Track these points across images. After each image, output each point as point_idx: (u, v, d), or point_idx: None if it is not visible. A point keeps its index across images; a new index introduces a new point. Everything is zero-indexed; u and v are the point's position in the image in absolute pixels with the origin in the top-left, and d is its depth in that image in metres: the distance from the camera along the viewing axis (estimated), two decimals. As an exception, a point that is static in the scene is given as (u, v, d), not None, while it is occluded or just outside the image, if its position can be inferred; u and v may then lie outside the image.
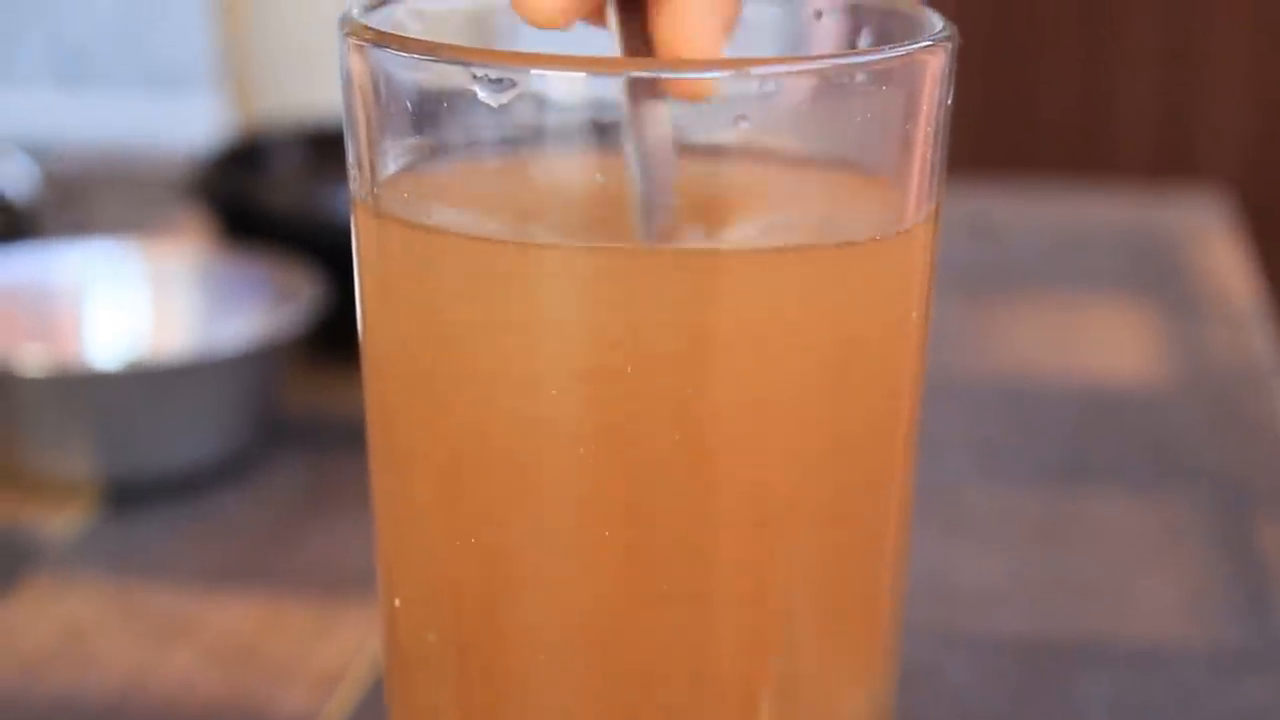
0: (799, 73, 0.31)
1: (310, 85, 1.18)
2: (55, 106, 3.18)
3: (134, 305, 0.73)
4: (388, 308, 0.35)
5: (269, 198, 0.79)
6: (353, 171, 0.36)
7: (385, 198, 0.34)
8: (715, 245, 0.33)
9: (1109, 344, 0.82)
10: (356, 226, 0.36)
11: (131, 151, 1.13)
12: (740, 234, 0.34)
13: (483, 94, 0.32)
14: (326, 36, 1.12)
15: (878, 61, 0.32)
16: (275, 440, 0.69)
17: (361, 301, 0.36)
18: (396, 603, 0.35)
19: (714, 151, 0.34)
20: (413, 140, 0.34)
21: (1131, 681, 0.53)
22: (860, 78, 0.32)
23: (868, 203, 0.35)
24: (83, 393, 0.63)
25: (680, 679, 0.33)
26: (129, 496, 0.64)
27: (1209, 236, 1.00)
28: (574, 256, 0.32)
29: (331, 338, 0.70)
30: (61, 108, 3.17)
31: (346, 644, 0.55)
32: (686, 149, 0.34)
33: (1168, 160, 1.78)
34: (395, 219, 0.34)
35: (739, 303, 0.32)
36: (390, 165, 0.35)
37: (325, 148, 0.84)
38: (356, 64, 0.34)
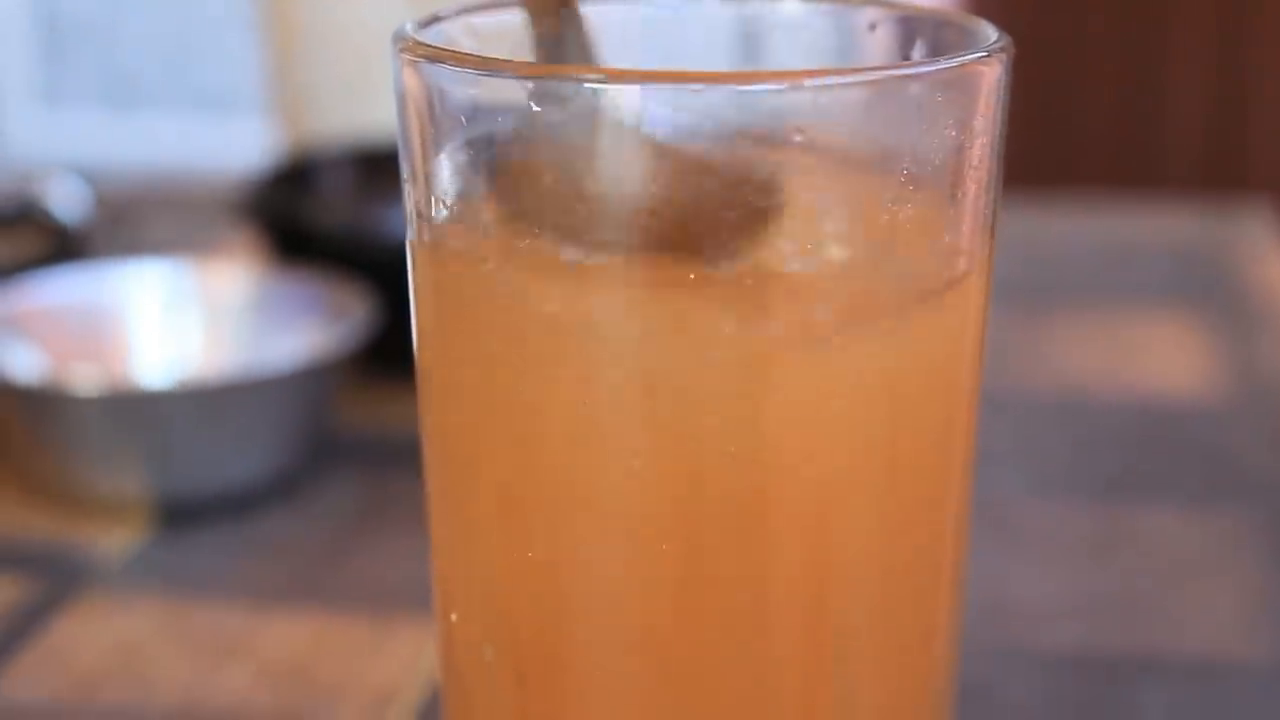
0: (854, 84, 0.31)
1: (358, 108, 1.18)
2: (105, 130, 3.20)
3: (185, 325, 0.73)
4: (443, 330, 0.35)
5: (319, 218, 0.80)
6: (407, 188, 0.36)
7: (440, 217, 0.34)
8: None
9: (1161, 358, 0.82)
10: (412, 248, 0.36)
11: (181, 174, 1.14)
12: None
13: (537, 108, 0.32)
14: (374, 59, 1.13)
15: (935, 72, 0.32)
16: (327, 458, 0.69)
17: (417, 322, 0.36)
18: (453, 618, 0.35)
19: (768, 179, 0.34)
20: (468, 156, 0.34)
21: (1189, 695, 0.53)
22: (916, 89, 0.32)
23: (927, 236, 0.34)
24: (134, 412, 0.63)
25: (737, 696, 0.33)
26: (180, 515, 0.65)
27: (1260, 249, 0.99)
28: (630, 284, 0.32)
29: (382, 356, 0.70)
30: (111, 131, 3.19)
31: (399, 662, 0.55)
32: (739, 172, 0.34)
33: (1217, 173, 1.76)
34: (449, 242, 0.34)
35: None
36: (445, 181, 0.35)
37: (374, 167, 0.85)
38: (411, 80, 0.34)
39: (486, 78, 0.33)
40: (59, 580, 0.60)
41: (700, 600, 0.32)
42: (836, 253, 0.33)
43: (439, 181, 0.34)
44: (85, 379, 0.63)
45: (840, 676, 0.34)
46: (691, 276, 0.32)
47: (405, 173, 0.35)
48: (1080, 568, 0.61)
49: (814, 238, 0.33)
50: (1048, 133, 1.77)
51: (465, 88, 0.33)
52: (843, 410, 0.32)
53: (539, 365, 0.33)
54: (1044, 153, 1.75)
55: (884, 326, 0.33)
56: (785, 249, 0.32)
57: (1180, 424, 0.74)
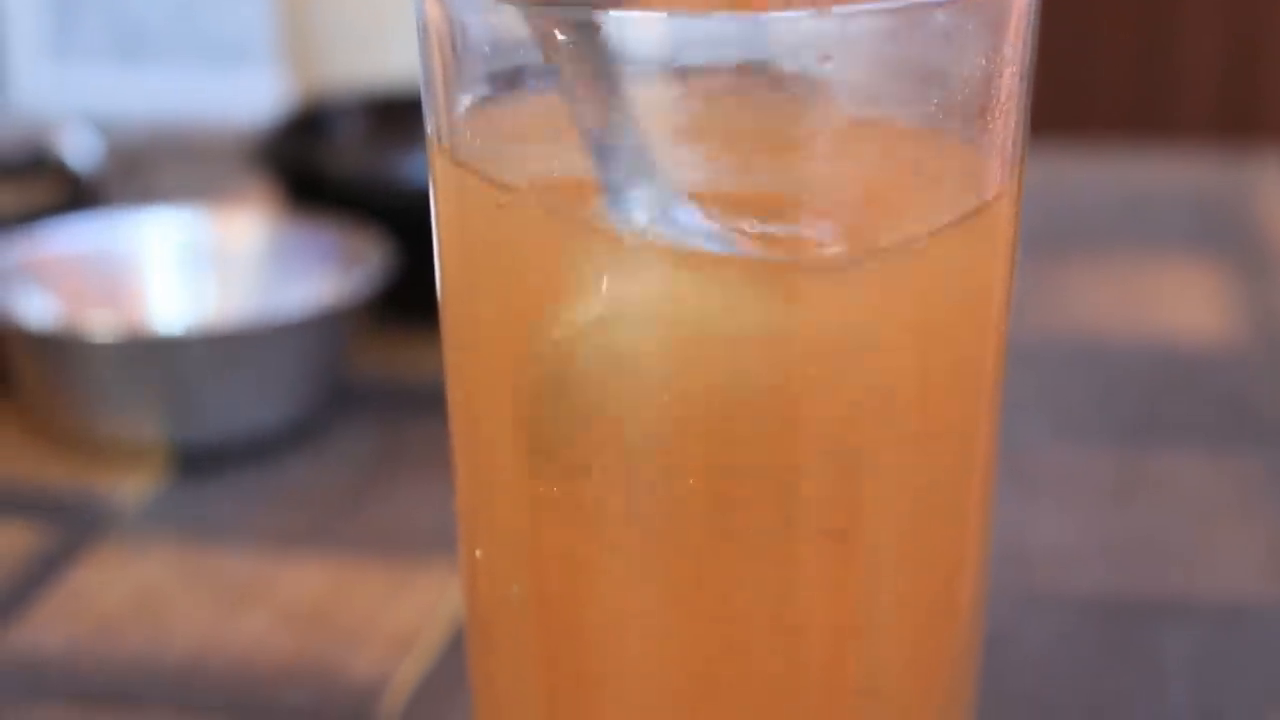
0: (883, 10, 0.31)
1: (370, 57, 1.18)
2: (116, 84, 3.20)
3: (200, 272, 0.73)
4: (466, 261, 0.35)
5: (333, 164, 0.79)
6: (429, 125, 0.35)
7: (462, 148, 0.34)
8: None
9: (1179, 303, 0.81)
10: (434, 181, 0.35)
11: (194, 123, 1.13)
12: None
13: (562, 38, 0.31)
14: (386, 6, 1.12)
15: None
16: (344, 405, 0.69)
17: (439, 259, 0.36)
18: (478, 554, 0.35)
19: (791, 113, 0.33)
20: (490, 89, 0.34)
21: (1213, 638, 0.52)
22: (944, 16, 0.32)
23: (952, 166, 0.34)
24: (152, 358, 0.63)
25: (763, 627, 0.33)
26: (198, 462, 0.64)
27: (1277, 195, 0.98)
28: (652, 245, 0.32)
29: (399, 302, 0.70)
30: (122, 85, 3.19)
31: (419, 607, 0.55)
32: (758, 109, 0.33)
33: (1233, 120, 1.76)
34: (473, 171, 0.34)
35: (824, 297, 0.32)
36: (468, 115, 0.34)
37: (388, 114, 0.84)
38: (433, 11, 0.34)
39: (510, 6, 0.32)
40: (77, 527, 0.60)
41: (728, 533, 0.32)
42: (867, 177, 0.33)
43: (460, 114, 0.34)
44: (101, 325, 0.63)
45: (868, 611, 0.34)
46: (723, 210, 0.31)
47: (427, 109, 0.35)
48: (1102, 513, 0.61)
49: (844, 163, 0.32)
50: (1065, 81, 1.76)
51: (488, 17, 0.33)
52: (873, 334, 0.32)
53: (564, 289, 0.32)
54: (1061, 101, 1.75)
55: (914, 250, 0.32)
56: (814, 174, 0.32)
57: (1200, 369, 0.74)
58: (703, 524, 0.32)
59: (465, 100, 0.34)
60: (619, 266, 0.32)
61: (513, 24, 0.32)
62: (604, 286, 0.32)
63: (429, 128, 0.35)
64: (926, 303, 0.33)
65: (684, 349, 0.31)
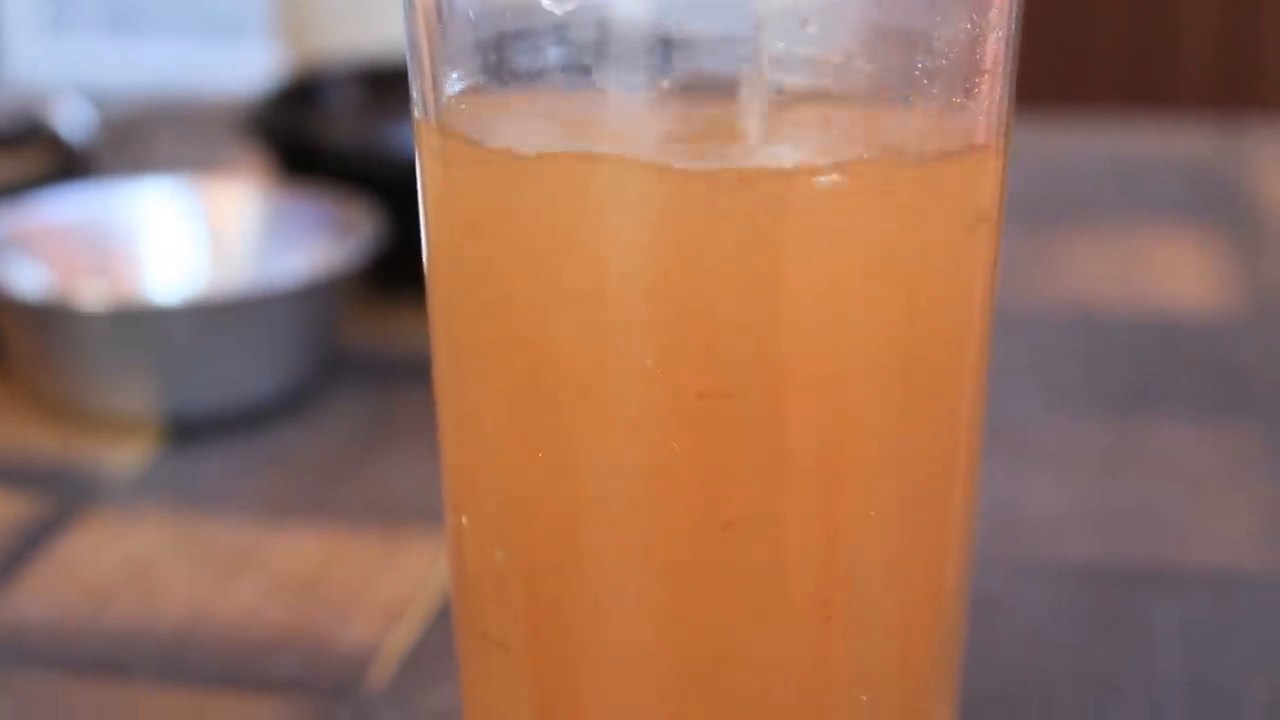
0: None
1: (363, 29, 1.18)
2: (111, 57, 3.19)
3: (193, 242, 0.73)
4: (452, 228, 0.35)
5: (326, 135, 0.79)
6: (415, 94, 0.35)
7: (449, 118, 0.34)
8: (782, 165, 0.33)
9: (1172, 274, 0.81)
10: (420, 150, 0.35)
11: (188, 95, 1.13)
12: (810, 154, 0.33)
13: (547, 3, 0.31)
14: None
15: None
16: (336, 375, 0.69)
17: (425, 222, 0.36)
18: (464, 520, 0.35)
19: (776, 65, 0.34)
20: (477, 58, 0.34)
21: (1202, 607, 0.52)
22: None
23: (938, 126, 0.34)
24: (143, 328, 0.63)
25: (751, 591, 0.33)
26: (190, 431, 0.64)
27: (1272, 165, 0.98)
28: (638, 173, 0.32)
29: (391, 272, 0.70)
30: (117, 58, 3.18)
31: (409, 576, 0.55)
32: (747, 79, 0.33)
33: (1229, 90, 1.75)
34: (458, 139, 0.34)
35: (808, 222, 0.32)
36: (454, 84, 0.34)
37: (381, 84, 0.84)
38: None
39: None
40: (68, 497, 0.60)
41: (714, 494, 0.32)
42: (852, 131, 0.33)
43: (447, 85, 0.34)
44: (93, 295, 0.63)
45: (855, 563, 0.34)
46: (701, 174, 0.31)
47: (413, 78, 0.35)
48: (1093, 482, 0.61)
49: (824, 135, 0.32)
50: (1060, 50, 1.76)
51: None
52: (859, 274, 0.32)
53: (548, 255, 0.32)
54: (1056, 70, 1.74)
55: (902, 175, 0.32)
56: (796, 147, 0.32)
57: (1192, 339, 0.74)
58: (688, 487, 0.32)
59: (452, 68, 0.34)
60: (600, 205, 0.32)
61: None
62: (591, 227, 0.32)
63: (414, 95, 0.35)
64: (913, 232, 0.33)
65: (668, 298, 0.31)
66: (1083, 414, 0.66)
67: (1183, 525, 0.58)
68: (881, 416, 0.33)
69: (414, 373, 0.68)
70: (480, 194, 0.33)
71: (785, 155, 0.33)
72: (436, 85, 0.34)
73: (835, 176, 0.32)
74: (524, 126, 0.34)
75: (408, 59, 0.35)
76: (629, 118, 0.33)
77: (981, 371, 0.36)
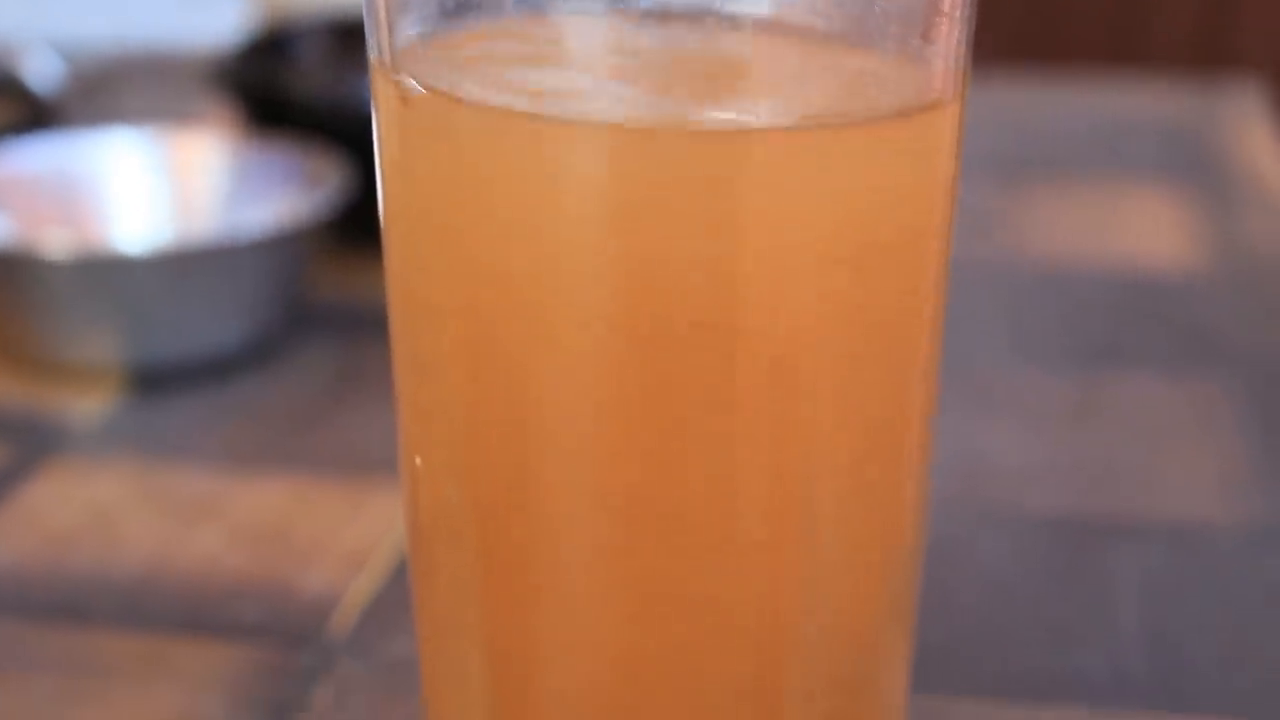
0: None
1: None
2: (79, 5, 3.17)
3: (160, 193, 0.72)
4: (406, 174, 0.34)
5: (295, 87, 0.79)
6: (371, 40, 0.35)
7: (403, 64, 0.34)
8: (738, 120, 0.32)
9: (1144, 231, 0.82)
10: (375, 97, 0.35)
11: (157, 47, 1.13)
12: (764, 109, 0.33)
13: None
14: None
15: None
16: (302, 326, 0.69)
17: (380, 168, 0.36)
18: (417, 460, 0.35)
19: (731, 24, 0.34)
20: (432, 2, 0.33)
21: (1163, 558, 0.53)
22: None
23: (896, 72, 0.34)
24: (108, 277, 0.63)
25: (699, 532, 0.33)
26: (154, 381, 0.64)
27: (1247, 127, 0.98)
28: (591, 125, 0.31)
29: (359, 224, 0.70)
30: (85, 6, 3.16)
31: (373, 525, 0.55)
32: (704, 21, 0.33)
33: (1206, 50, 1.75)
34: (412, 85, 0.34)
35: (763, 175, 0.31)
36: (408, 29, 0.34)
37: (350, 37, 0.84)
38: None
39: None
40: (31, 445, 0.60)
41: (665, 433, 0.32)
42: (809, 80, 0.33)
43: (403, 28, 0.34)
44: (57, 245, 0.63)
45: (806, 504, 0.34)
46: (655, 132, 0.31)
47: (369, 22, 0.35)
48: (1059, 434, 0.61)
49: (780, 93, 0.32)
50: (1038, 8, 1.76)
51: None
52: (811, 227, 0.32)
53: (500, 202, 0.32)
54: (1033, 29, 1.74)
55: (856, 144, 0.32)
56: (751, 104, 0.32)
57: (1162, 296, 0.74)
58: (638, 430, 0.32)
59: (405, 13, 0.34)
60: (559, 151, 0.31)
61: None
62: (545, 178, 0.32)
63: (370, 41, 0.35)
64: (869, 184, 0.32)
65: (620, 248, 0.31)
66: (1051, 367, 0.66)
67: (1146, 478, 0.58)
68: (835, 365, 0.33)
69: (380, 325, 0.67)
70: (434, 141, 0.33)
71: (741, 107, 0.33)
72: (391, 31, 0.34)
73: (792, 128, 0.32)
74: (478, 73, 0.33)
75: (363, 4, 0.35)
76: (583, 63, 0.33)
77: (937, 321, 0.36)
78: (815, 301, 0.33)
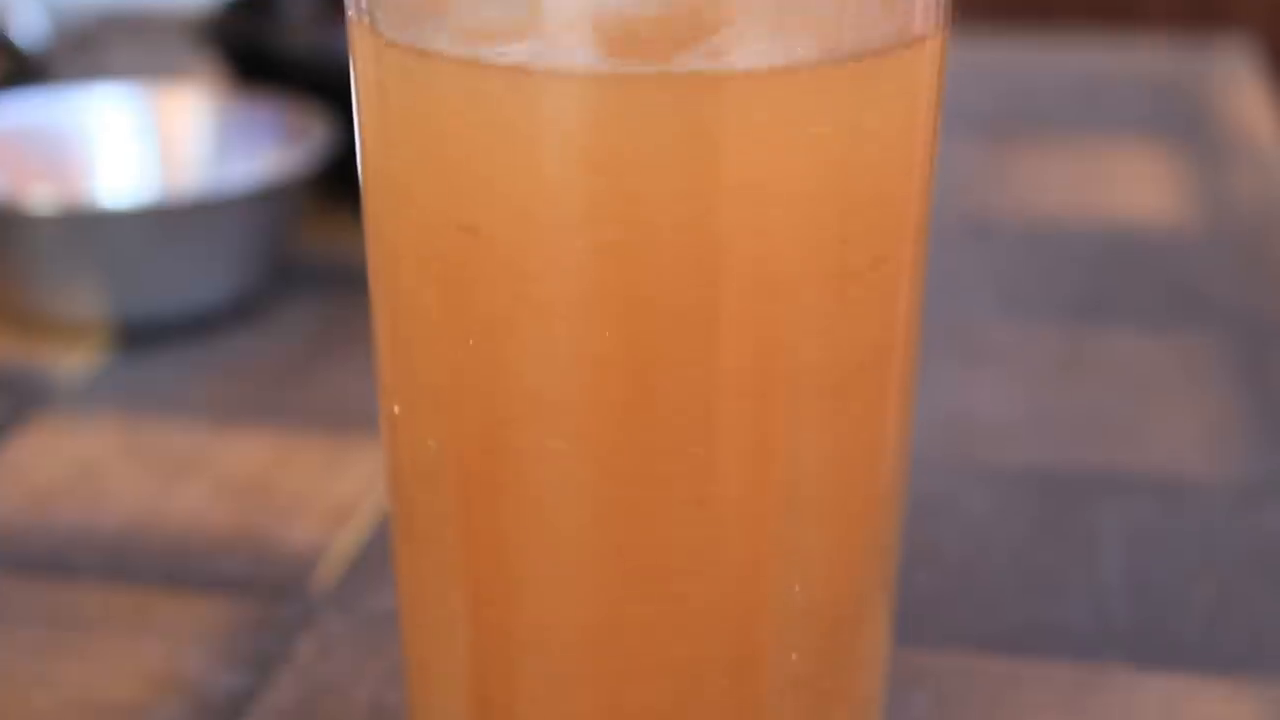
0: None
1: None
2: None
3: (145, 148, 0.72)
4: (385, 126, 0.34)
5: (280, 43, 0.78)
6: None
7: (381, 16, 0.34)
8: (716, 66, 0.32)
9: (1132, 187, 0.81)
10: (353, 51, 0.35)
11: (143, 3, 1.12)
12: (741, 53, 0.33)
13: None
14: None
15: None
16: (287, 282, 0.69)
17: (359, 120, 0.35)
18: (396, 409, 0.35)
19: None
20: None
21: (1149, 512, 0.53)
22: None
23: (875, 9, 0.34)
24: (93, 232, 0.63)
25: (680, 483, 0.33)
26: (140, 337, 0.64)
27: (1235, 84, 0.98)
28: (568, 76, 0.31)
29: (344, 180, 0.69)
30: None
31: (357, 480, 0.55)
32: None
33: (1197, 7, 1.75)
34: (389, 37, 0.33)
35: (745, 119, 0.31)
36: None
37: (338, -7, 0.83)
38: None
39: None
40: (17, 400, 0.60)
41: (648, 385, 0.32)
42: (788, 21, 0.32)
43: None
44: (43, 200, 0.63)
45: (789, 455, 0.34)
46: (633, 78, 0.31)
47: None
48: (1044, 388, 0.61)
49: (756, 35, 0.32)
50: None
51: None
52: (795, 172, 0.32)
53: (480, 154, 0.32)
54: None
55: (835, 84, 0.32)
56: (728, 46, 0.32)
57: (1149, 251, 0.74)
58: (619, 378, 0.32)
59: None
60: (535, 101, 0.31)
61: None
62: (521, 127, 0.31)
63: (348, 5, 0.35)
64: (851, 128, 0.32)
65: (600, 191, 0.31)
66: (1036, 322, 0.66)
67: (1130, 431, 0.58)
68: (817, 311, 0.33)
69: (364, 280, 0.67)
70: (411, 94, 0.33)
71: (721, 51, 0.32)
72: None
73: (773, 71, 0.32)
74: (454, 25, 0.33)
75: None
76: (558, 12, 0.32)
77: (920, 268, 0.36)
78: (796, 245, 0.32)
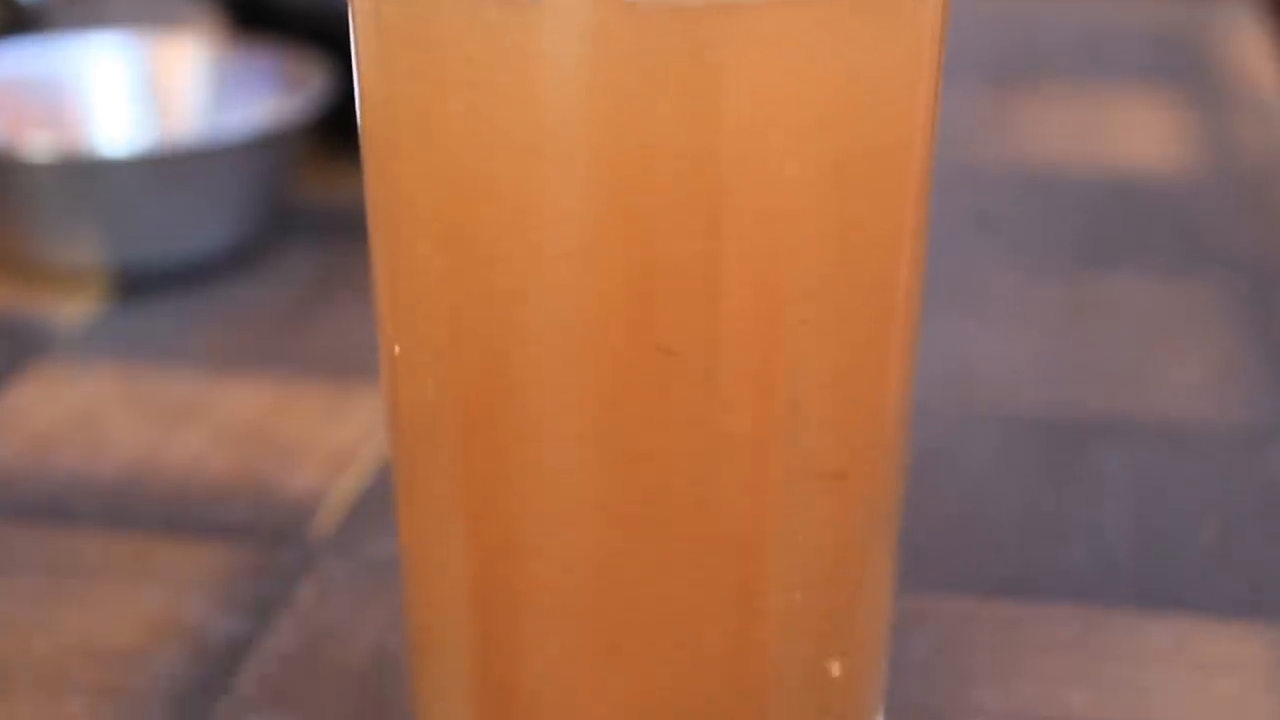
0: None
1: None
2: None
3: (143, 96, 0.72)
4: (384, 65, 0.34)
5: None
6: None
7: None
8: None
9: (1135, 133, 0.81)
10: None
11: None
12: None
13: None
14: None
15: None
16: (286, 229, 0.68)
17: (357, 60, 0.35)
18: (396, 349, 0.35)
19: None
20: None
21: (1154, 457, 0.52)
22: None
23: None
24: (91, 180, 0.62)
25: (685, 424, 0.32)
26: (139, 285, 0.64)
27: (1238, 31, 0.98)
28: (571, 10, 0.31)
29: (342, 128, 0.69)
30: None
31: (356, 427, 0.54)
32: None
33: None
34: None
35: (747, 58, 0.31)
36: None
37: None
38: None
39: None
40: (16, 348, 0.60)
41: (651, 322, 0.32)
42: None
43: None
44: (40, 147, 0.62)
45: (792, 395, 0.33)
46: (634, 10, 0.31)
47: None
48: (1047, 335, 0.61)
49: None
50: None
51: None
52: (798, 111, 0.32)
53: (482, 92, 0.32)
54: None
55: (840, 32, 0.32)
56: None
57: (1152, 198, 0.73)
58: (622, 319, 0.32)
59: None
60: (536, 36, 0.31)
61: None
62: (523, 64, 0.31)
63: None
64: (853, 68, 0.32)
65: (603, 127, 0.31)
66: (1039, 269, 0.66)
67: (1134, 377, 0.57)
68: (820, 249, 0.33)
69: (363, 228, 0.67)
70: (410, 32, 0.33)
71: None
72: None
73: (775, 10, 0.31)
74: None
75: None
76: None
77: (922, 211, 0.36)
78: (800, 181, 0.32)
